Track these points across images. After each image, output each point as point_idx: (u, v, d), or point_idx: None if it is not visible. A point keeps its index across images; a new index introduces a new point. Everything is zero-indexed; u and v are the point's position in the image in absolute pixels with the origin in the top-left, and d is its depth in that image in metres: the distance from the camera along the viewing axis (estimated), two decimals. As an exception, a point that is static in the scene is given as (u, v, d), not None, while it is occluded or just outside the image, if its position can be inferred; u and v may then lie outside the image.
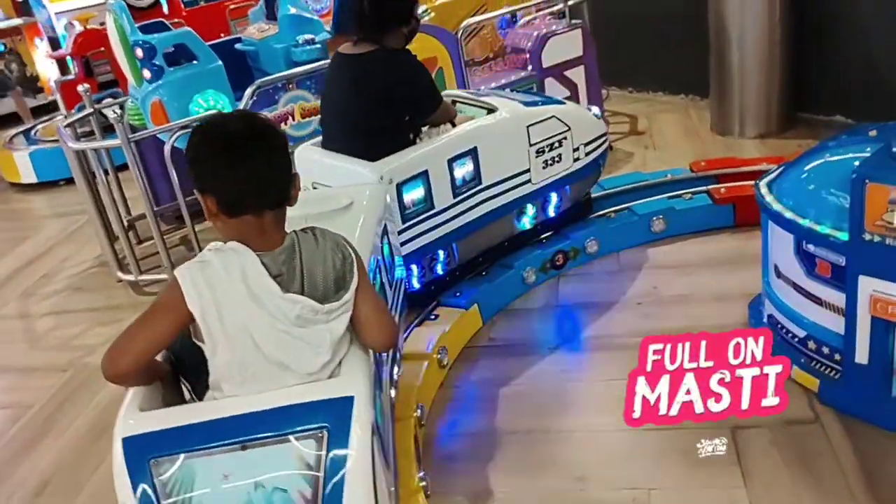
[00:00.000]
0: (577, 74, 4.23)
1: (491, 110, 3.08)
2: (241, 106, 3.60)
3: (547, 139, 3.09)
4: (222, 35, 5.39)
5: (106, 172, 4.11)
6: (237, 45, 4.37)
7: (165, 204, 4.10)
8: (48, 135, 6.30)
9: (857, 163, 2.08)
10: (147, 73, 3.74)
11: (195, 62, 3.78)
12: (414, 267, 2.92)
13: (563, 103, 3.32)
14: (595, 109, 3.49)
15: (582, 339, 2.89)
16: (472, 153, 2.89)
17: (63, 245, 4.80)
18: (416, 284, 2.95)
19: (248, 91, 3.59)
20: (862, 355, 2.17)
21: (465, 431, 2.48)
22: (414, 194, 2.78)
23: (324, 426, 1.48)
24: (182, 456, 1.47)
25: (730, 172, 3.53)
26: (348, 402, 1.51)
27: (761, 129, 4.40)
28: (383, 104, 2.76)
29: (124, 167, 3.72)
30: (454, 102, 3.17)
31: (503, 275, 3.13)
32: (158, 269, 3.87)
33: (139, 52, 3.72)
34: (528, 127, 3.04)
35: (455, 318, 2.88)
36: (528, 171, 3.08)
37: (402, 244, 2.76)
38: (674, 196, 3.48)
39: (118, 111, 3.49)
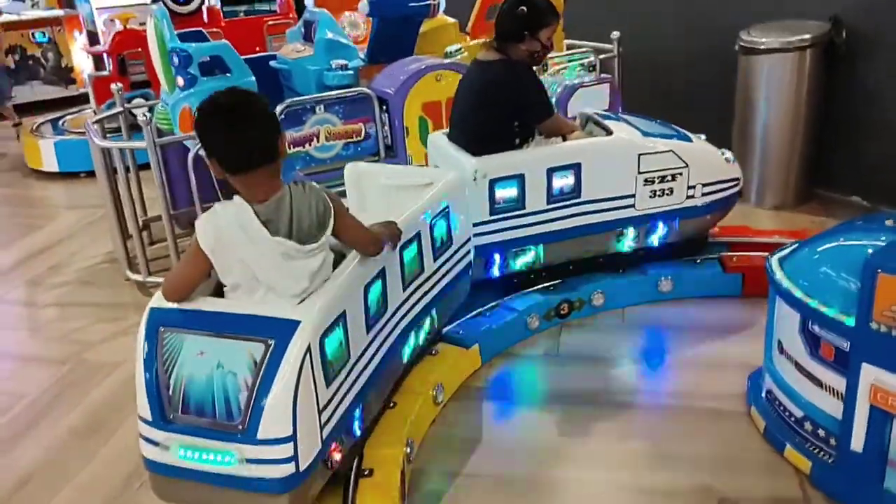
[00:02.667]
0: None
1: (609, 133, 3.27)
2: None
3: (658, 171, 3.21)
4: (258, 49, 5.50)
5: (127, 170, 4.17)
6: (271, 63, 4.45)
7: (182, 208, 4.14)
8: (75, 126, 6.39)
9: (870, 251, 2.09)
10: (181, 81, 3.80)
11: (228, 75, 3.84)
12: (497, 256, 3.19)
13: (690, 141, 3.37)
14: (728, 154, 3.44)
15: (578, 392, 2.88)
16: (576, 168, 3.13)
17: (76, 237, 4.85)
18: (495, 272, 3.22)
19: (277, 109, 3.64)
20: (857, 443, 2.16)
21: (452, 472, 2.47)
22: (506, 192, 3.09)
23: (272, 337, 1.89)
24: (178, 330, 1.97)
25: (742, 241, 3.55)
26: (295, 325, 1.90)
27: (777, 200, 4.42)
28: (492, 107, 3.09)
29: (146, 166, 3.77)
30: (589, 120, 3.43)
31: (507, 318, 3.14)
32: (167, 271, 3.89)
33: (175, 60, 3.79)
34: (639, 155, 3.18)
35: (455, 355, 2.88)
36: (632, 196, 3.22)
37: (487, 234, 3.10)
38: (685, 259, 3.49)
39: (147, 114, 3.54)
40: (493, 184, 3.05)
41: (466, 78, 3.27)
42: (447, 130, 3.36)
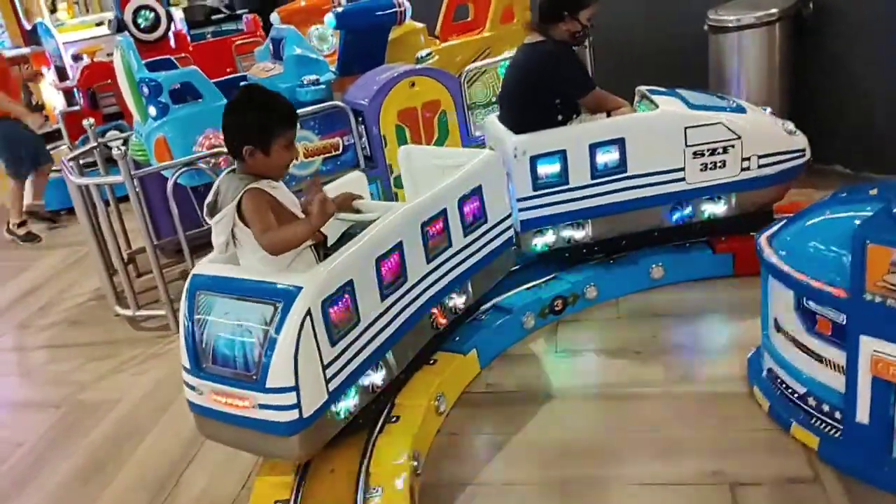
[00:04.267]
0: (579, 119, 4.27)
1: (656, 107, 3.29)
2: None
3: (707, 143, 3.19)
4: (229, 70, 5.45)
5: (107, 204, 4.12)
6: (242, 84, 4.41)
7: (166, 237, 4.10)
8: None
9: (857, 222, 2.09)
10: (152, 110, 3.77)
11: (200, 100, 3.81)
12: (549, 231, 3.30)
13: (744, 111, 3.30)
14: (790, 125, 3.32)
15: (579, 388, 2.86)
16: (619, 143, 3.18)
17: (62, 276, 4.81)
18: (543, 246, 3.33)
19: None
20: (863, 415, 2.16)
21: (461, 481, 2.45)
22: (548, 168, 3.19)
23: (280, 300, 2.16)
24: (210, 293, 2.29)
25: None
26: (297, 290, 2.16)
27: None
28: (533, 86, 3.22)
29: (126, 198, 3.73)
30: (643, 97, 3.45)
31: (502, 319, 3.12)
32: (156, 303, 3.85)
33: (145, 90, 3.75)
34: (686, 128, 3.17)
35: (454, 363, 2.86)
36: (682, 169, 3.22)
37: (532, 209, 3.24)
38: (675, 244, 3.48)
39: (122, 147, 3.50)
40: (534, 160, 3.16)
41: (513, 61, 3.40)
42: (499, 113, 3.48)
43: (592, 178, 3.22)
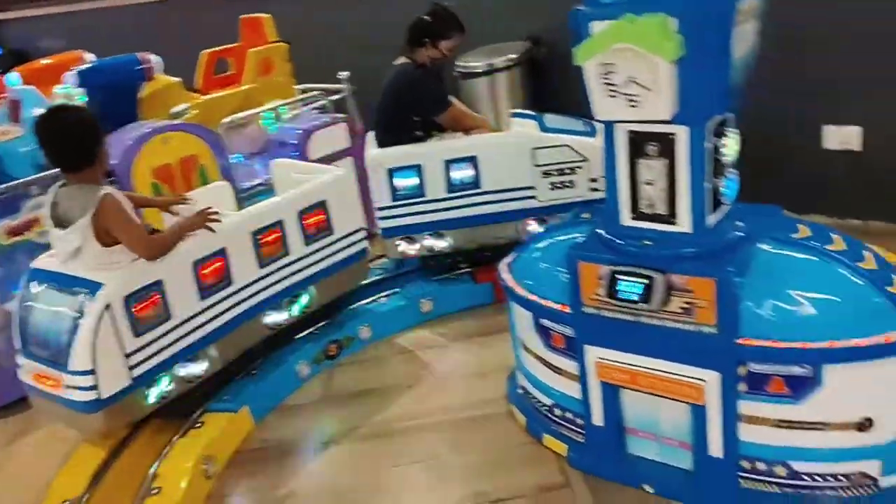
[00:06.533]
0: (347, 165, 4.34)
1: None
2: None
3: (554, 164, 3.39)
4: (-37, 136, 4.96)
5: None
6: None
7: None
8: None
9: (571, 245, 2.31)
10: None
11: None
12: (411, 240, 3.53)
13: (593, 136, 3.40)
14: None
15: (355, 431, 2.88)
16: (472, 160, 3.40)
17: None
18: (410, 252, 3.57)
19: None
20: (598, 418, 2.37)
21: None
22: (405, 181, 3.44)
23: (87, 293, 2.45)
24: (40, 283, 2.60)
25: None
26: (99, 286, 2.45)
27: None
28: (392, 105, 3.52)
29: None
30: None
31: (275, 371, 3.08)
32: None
33: None
34: (532, 149, 3.37)
35: (222, 423, 2.78)
36: (533, 188, 3.43)
37: (392, 218, 3.50)
38: (440, 278, 3.64)
39: None
40: (391, 173, 3.40)
41: (384, 82, 3.62)
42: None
43: (449, 192, 3.44)
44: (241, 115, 4.23)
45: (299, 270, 3.09)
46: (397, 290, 3.61)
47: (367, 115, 4.74)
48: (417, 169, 3.42)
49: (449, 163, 3.41)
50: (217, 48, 4.91)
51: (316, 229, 3.12)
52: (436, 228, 3.51)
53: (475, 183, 3.44)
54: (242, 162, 4.24)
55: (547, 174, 3.43)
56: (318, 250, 3.14)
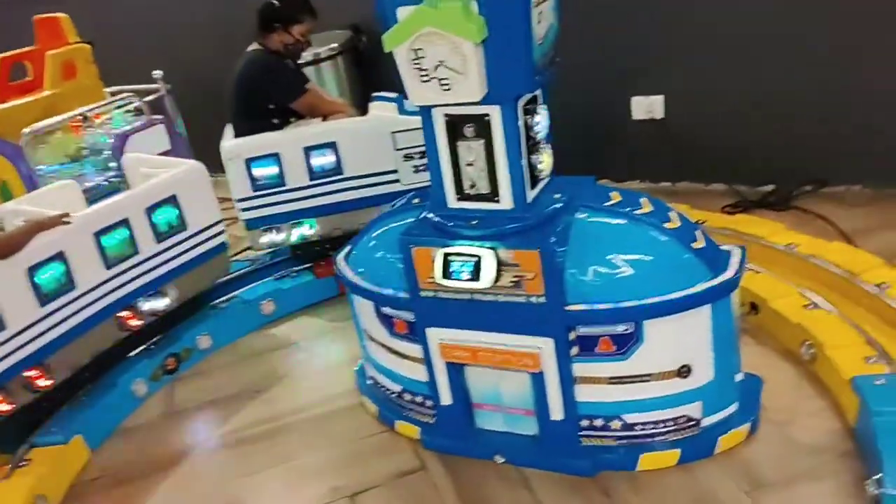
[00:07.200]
0: (172, 166, 4.14)
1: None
2: None
3: (416, 147, 3.31)
4: None
5: None
6: None
7: None
8: None
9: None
10: None
11: None
12: (276, 230, 3.46)
13: None
14: None
15: (206, 444, 2.77)
16: (332, 146, 3.32)
17: None
18: (276, 241, 3.50)
19: None
20: (446, 397, 2.41)
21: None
22: (265, 171, 3.35)
23: None
24: None
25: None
26: None
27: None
28: (244, 94, 3.42)
29: None
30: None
31: (108, 394, 2.90)
32: None
33: None
34: (392, 133, 3.31)
35: (51, 457, 2.57)
36: (395, 171, 3.37)
37: (253, 209, 3.41)
38: (280, 277, 3.56)
39: None
40: (249, 163, 3.30)
41: (235, 69, 3.48)
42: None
43: (311, 179, 3.37)
44: (44, 122, 3.91)
45: (153, 269, 3.01)
46: (235, 294, 3.49)
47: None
48: (276, 158, 3.34)
49: (308, 150, 3.34)
50: (10, 53, 4.52)
51: (168, 226, 3.03)
52: (300, 217, 3.46)
53: (337, 169, 3.39)
54: (65, 168, 3.93)
55: (409, 157, 3.41)
56: (171, 247, 3.06)
